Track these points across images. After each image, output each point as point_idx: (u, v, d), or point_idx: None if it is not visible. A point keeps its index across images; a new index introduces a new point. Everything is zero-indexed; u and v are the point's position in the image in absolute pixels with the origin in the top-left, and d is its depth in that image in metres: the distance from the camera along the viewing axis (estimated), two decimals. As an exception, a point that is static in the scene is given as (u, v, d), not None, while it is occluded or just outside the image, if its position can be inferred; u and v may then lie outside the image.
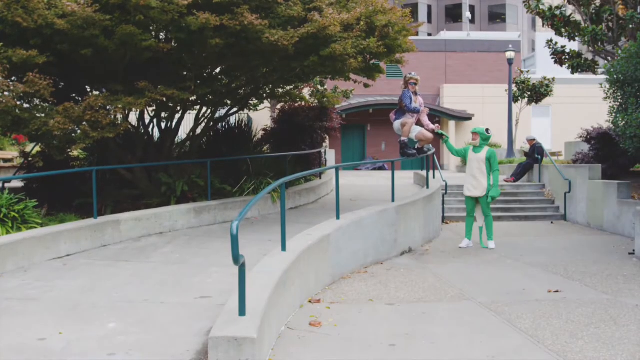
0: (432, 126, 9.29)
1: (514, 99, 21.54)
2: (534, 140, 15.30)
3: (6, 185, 8.47)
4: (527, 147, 19.96)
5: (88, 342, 4.23)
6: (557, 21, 13.00)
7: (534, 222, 12.66)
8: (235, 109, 12.46)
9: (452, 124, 27.80)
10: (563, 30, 13.04)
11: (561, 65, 13.95)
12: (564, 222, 12.63)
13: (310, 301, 5.85)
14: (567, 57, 13.62)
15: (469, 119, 27.58)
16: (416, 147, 9.59)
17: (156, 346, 4.16)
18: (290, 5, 8.24)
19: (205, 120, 11.65)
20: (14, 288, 5.69)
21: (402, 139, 9.19)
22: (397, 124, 9.25)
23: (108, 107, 8.08)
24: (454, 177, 16.82)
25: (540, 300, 6.02)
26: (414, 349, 4.55)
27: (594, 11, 12.94)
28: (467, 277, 7.18)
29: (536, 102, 21.83)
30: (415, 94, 9.19)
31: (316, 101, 14.36)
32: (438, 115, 28.09)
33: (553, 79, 21.57)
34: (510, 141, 21.14)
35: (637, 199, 10.68)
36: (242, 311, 3.96)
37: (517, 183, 14.98)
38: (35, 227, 7.31)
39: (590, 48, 12.86)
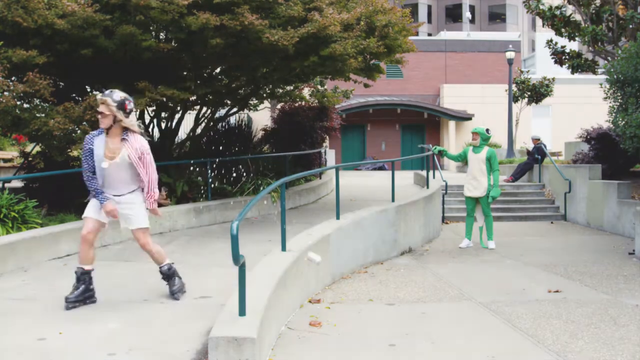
0: (154, 201, 5.13)
1: (514, 99, 21.55)
2: (539, 139, 15.27)
3: (6, 185, 8.46)
4: (527, 145, 19.98)
5: (88, 342, 4.23)
6: (557, 21, 13.00)
7: (534, 222, 12.66)
8: (235, 109, 12.45)
9: (452, 124, 27.81)
10: (563, 30, 13.05)
11: (561, 65, 13.96)
12: (564, 222, 12.63)
13: (310, 301, 5.85)
14: (567, 57, 13.63)
15: (469, 119, 27.59)
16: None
17: (156, 346, 4.16)
18: (291, 5, 8.24)
19: (205, 120, 11.65)
20: (14, 288, 5.68)
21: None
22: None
23: (108, 107, 8.07)
24: (454, 177, 16.81)
25: (540, 300, 6.01)
26: (414, 349, 4.55)
27: (594, 11, 12.94)
28: (467, 277, 7.18)
29: (536, 102, 21.85)
30: (123, 139, 4.78)
31: (316, 101, 14.36)
32: (438, 115, 28.12)
33: (553, 79, 21.57)
34: (510, 141, 21.14)
35: (637, 199, 10.68)
36: (242, 311, 3.96)
37: (517, 183, 14.97)
38: (35, 227, 7.30)
39: (590, 48, 12.86)
